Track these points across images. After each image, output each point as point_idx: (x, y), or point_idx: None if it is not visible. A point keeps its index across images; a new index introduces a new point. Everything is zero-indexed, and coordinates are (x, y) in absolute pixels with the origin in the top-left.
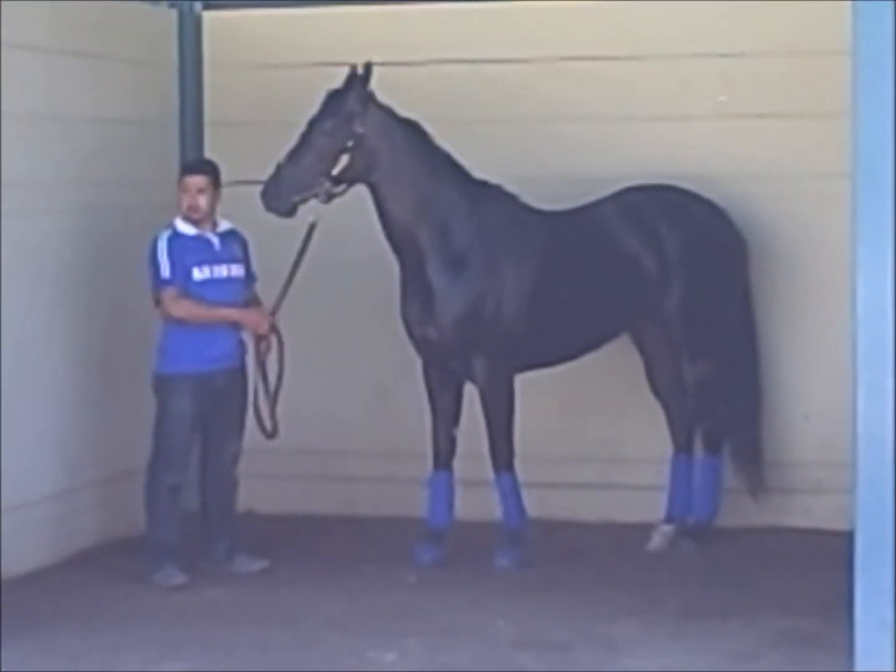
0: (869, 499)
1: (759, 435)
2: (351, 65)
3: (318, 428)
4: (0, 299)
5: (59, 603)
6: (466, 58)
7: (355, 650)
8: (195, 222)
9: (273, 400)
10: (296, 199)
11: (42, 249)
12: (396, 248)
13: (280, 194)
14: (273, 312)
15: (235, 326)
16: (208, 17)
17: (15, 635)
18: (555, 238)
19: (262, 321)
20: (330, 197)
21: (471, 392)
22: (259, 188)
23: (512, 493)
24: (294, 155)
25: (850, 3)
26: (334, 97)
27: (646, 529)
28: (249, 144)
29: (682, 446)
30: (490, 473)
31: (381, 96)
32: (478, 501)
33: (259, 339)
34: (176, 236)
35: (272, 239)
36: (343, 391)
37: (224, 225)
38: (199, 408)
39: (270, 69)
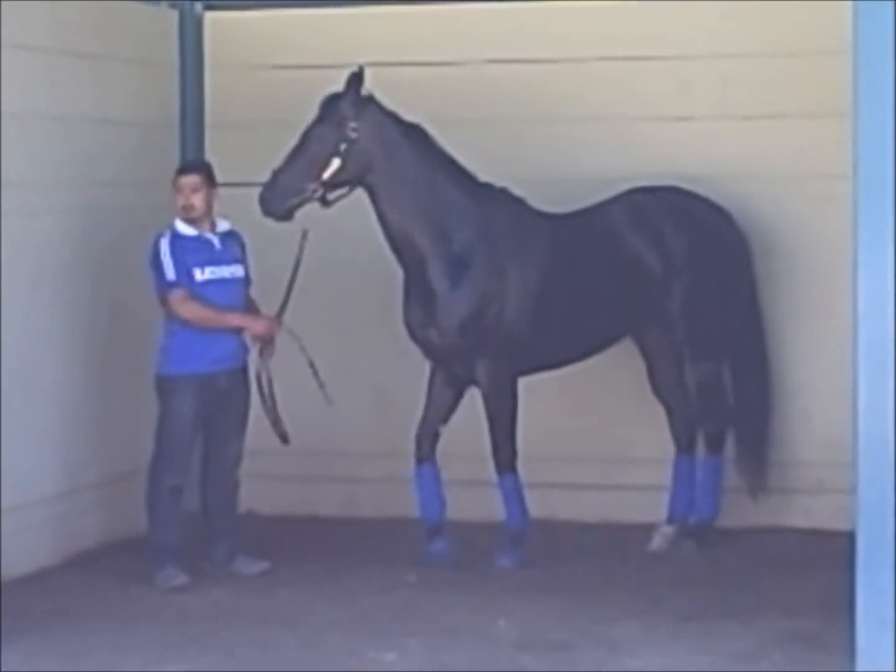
0: (869, 499)
1: (767, 435)
2: (351, 67)
3: (318, 429)
4: (0, 299)
5: (60, 604)
6: (467, 59)
7: (356, 651)
8: (193, 222)
9: (275, 405)
10: (290, 203)
11: (42, 250)
12: (397, 251)
13: (274, 199)
14: (278, 320)
15: (239, 328)
16: (209, 17)
17: (15, 636)
18: (559, 240)
19: (270, 329)
20: (326, 201)
21: (473, 393)
22: (257, 191)
23: (514, 494)
24: (288, 160)
25: (850, 2)
26: (327, 102)
27: (647, 530)
28: (250, 145)
29: (684, 448)
30: (492, 474)
31: (383, 97)
32: (479, 502)
33: (264, 344)
34: (176, 237)
35: (270, 242)
36: (344, 392)
37: (223, 225)
38: (201, 409)
39: (271, 70)
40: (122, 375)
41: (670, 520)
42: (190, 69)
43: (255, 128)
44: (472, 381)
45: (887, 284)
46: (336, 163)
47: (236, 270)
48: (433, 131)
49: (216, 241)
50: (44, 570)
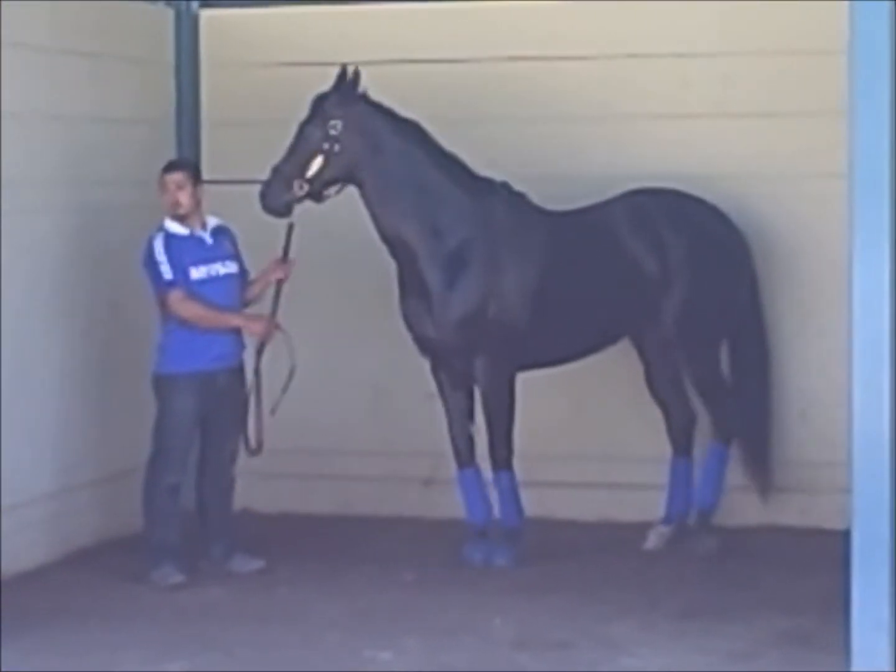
0: (866, 498)
1: (769, 435)
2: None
3: (315, 427)
4: None
5: (58, 602)
6: (466, 57)
7: (354, 649)
8: (183, 220)
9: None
10: (284, 200)
11: (41, 248)
12: (390, 247)
13: (269, 195)
14: (273, 317)
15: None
16: (205, 15)
17: (14, 634)
18: (559, 237)
19: (268, 330)
20: (314, 198)
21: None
22: (254, 189)
23: (510, 492)
24: (283, 157)
25: (848, 2)
26: (315, 100)
27: (645, 529)
28: (247, 143)
29: (682, 449)
30: (489, 472)
31: (381, 96)
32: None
33: (261, 344)
34: (169, 237)
35: (270, 239)
36: (340, 390)
37: (212, 221)
38: (199, 407)
39: (268, 68)
40: (120, 374)
41: (667, 520)
42: (186, 67)
43: (251, 125)
44: (470, 377)
45: (883, 283)
46: (319, 160)
47: (230, 266)
48: (431, 129)
49: (207, 237)
50: (42, 568)
